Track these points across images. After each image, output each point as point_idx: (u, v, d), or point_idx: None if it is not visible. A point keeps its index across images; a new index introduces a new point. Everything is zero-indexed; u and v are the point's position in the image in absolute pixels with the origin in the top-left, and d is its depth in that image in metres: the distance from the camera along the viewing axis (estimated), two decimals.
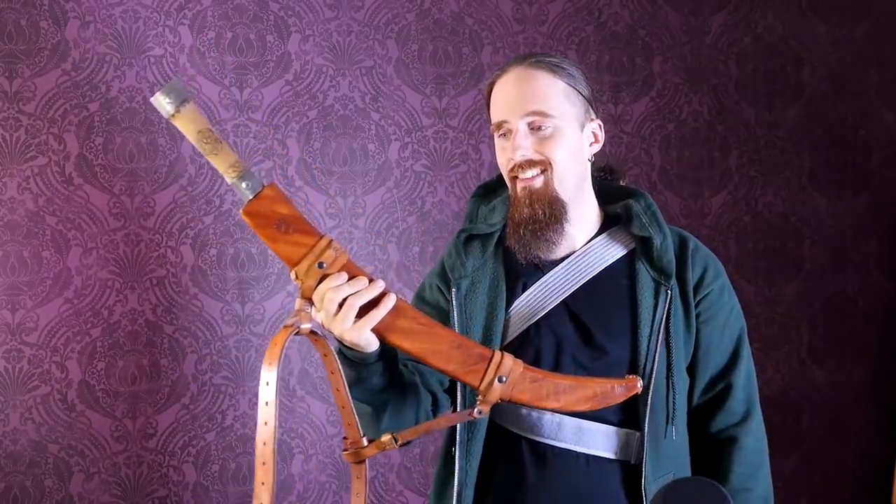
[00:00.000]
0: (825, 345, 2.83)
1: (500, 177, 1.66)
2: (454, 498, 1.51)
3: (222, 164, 1.25)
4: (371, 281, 1.29)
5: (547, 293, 1.53)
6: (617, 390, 1.36)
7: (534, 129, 1.50)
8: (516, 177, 1.51)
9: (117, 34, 2.33)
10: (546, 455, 1.50)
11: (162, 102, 1.22)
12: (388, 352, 1.40)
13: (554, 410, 1.37)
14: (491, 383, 1.32)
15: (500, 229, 1.60)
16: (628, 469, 1.50)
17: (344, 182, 2.50)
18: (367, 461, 1.30)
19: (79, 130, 2.31)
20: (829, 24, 2.80)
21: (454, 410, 1.59)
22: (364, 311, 1.29)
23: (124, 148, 2.35)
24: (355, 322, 1.29)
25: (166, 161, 2.37)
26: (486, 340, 1.52)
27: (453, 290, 1.55)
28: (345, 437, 1.32)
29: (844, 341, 2.84)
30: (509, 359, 1.34)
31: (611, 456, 1.49)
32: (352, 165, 2.51)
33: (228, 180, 1.26)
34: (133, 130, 2.35)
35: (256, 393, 2.43)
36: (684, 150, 2.73)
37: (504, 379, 1.32)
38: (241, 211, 1.27)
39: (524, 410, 1.51)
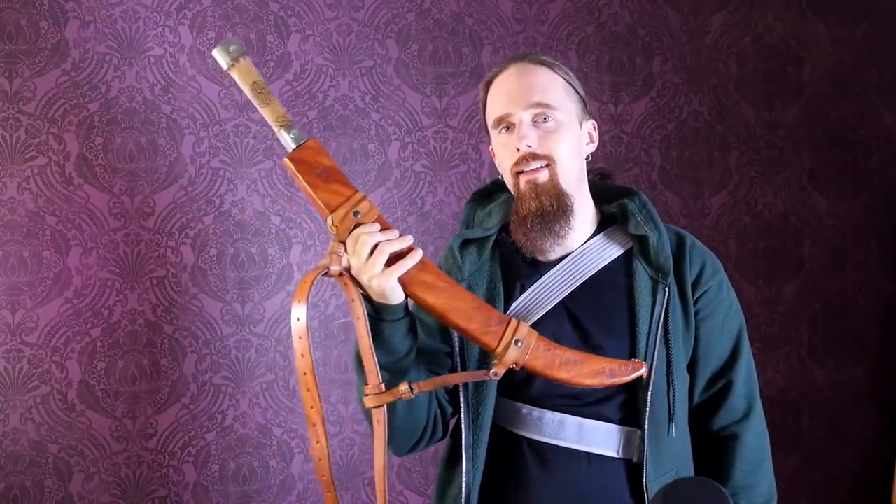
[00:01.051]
0: (825, 345, 2.83)
1: (496, 182, 1.67)
2: (462, 501, 1.51)
3: (271, 115, 1.37)
4: (401, 235, 1.38)
5: (545, 294, 1.53)
6: (623, 369, 1.40)
7: (537, 121, 1.50)
8: (519, 172, 1.51)
9: (117, 34, 2.33)
10: (548, 455, 1.50)
11: (223, 53, 1.36)
12: (410, 316, 1.46)
13: (564, 381, 1.40)
14: (508, 346, 1.38)
15: (496, 232, 1.59)
16: (631, 467, 1.49)
17: None
18: (384, 408, 1.37)
19: (79, 130, 2.31)
20: (829, 24, 2.80)
21: (454, 415, 1.58)
22: (392, 261, 1.37)
23: (124, 148, 2.35)
24: (384, 269, 1.35)
25: (166, 161, 2.37)
26: None
27: None
28: (365, 384, 1.38)
29: (844, 341, 2.84)
30: (525, 326, 1.40)
31: (613, 455, 1.49)
32: (352, 165, 2.51)
33: (276, 129, 1.37)
34: (133, 130, 2.35)
35: (256, 393, 2.44)
36: (684, 150, 2.73)
37: (521, 343, 1.39)
38: (286, 158, 1.36)
39: (525, 410, 1.51)
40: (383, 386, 1.37)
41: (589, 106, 1.61)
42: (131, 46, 2.35)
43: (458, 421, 1.55)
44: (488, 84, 1.57)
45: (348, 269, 1.38)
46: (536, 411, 1.50)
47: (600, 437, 1.49)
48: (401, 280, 1.38)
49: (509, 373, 1.41)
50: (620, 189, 1.65)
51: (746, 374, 1.59)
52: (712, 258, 1.60)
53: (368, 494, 2.53)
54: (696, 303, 1.55)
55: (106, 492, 2.34)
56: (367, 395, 1.37)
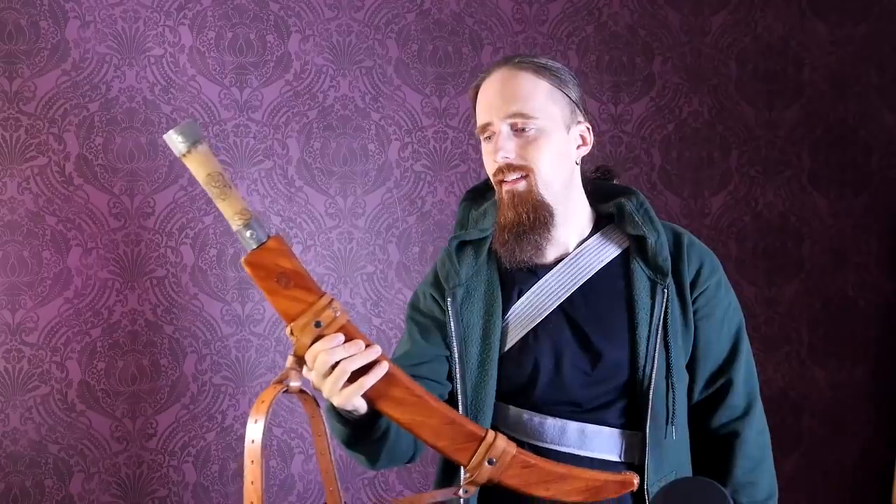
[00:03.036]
0: (825, 345, 2.83)
1: (489, 180, 1.63)
2: None
3: (229, 210, 1.22)
4: (368, 346, 1.25)
5: (543, 298, 1.52)
6: (611, 486, 1.30)
7: (517, 130, 1.48)
8: (502, 180, 1.49)
9: (117, 34, 2.33)
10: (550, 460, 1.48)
11: (175, 140, 1.18)
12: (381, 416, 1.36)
13: (542, 498, 1.31)
14: (480, 464, 1.28)
15: (492, 234, 1.57)
16: (633, 471, 1.48)
17: (344, 182, 2.50)
18: None
19: (79, 130, 2.31)
20: (829, 24, 2.80)
21: None
22: (356, 375, 1.24)
23: (124, 148, 2.35)
24: (345, 386, 1.24)
25: (166, 161, 2.37)
26: (484, 349, 1.50)
27: (449, 299, 1.53)
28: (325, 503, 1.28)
29: (844, 341, 2.84)
30: (502, 440, 1.30)
31: (615, 458, 1.48)
32: (352, 165, 2.51)
33: (233, 227, 1.22)
34: (133, 130, 2.35)
35: (256, 393, 2.44)
36: (684, 150, 2.73)
37: (494, 461, 1.28)
38: (241, 260, 1.24)
39: (526, 416, 1.50)
40: None
41: (586, 107, 1.58)
42: (131, 46, 2.35)
43: None
44: (476, 89, 1.55)
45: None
46: (538, 417, 1.48)
47: (602, 442, 1.48)
48: (366, 395, 1.25)
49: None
50: (617, 188, 1.63)
51: (746, 372, 1.58)
52: (710, 256, 1.58)
53: (368, 494, 2.53)
54: (694, 302, 1.53)
55: (106, 492, 2.34)
56: None
